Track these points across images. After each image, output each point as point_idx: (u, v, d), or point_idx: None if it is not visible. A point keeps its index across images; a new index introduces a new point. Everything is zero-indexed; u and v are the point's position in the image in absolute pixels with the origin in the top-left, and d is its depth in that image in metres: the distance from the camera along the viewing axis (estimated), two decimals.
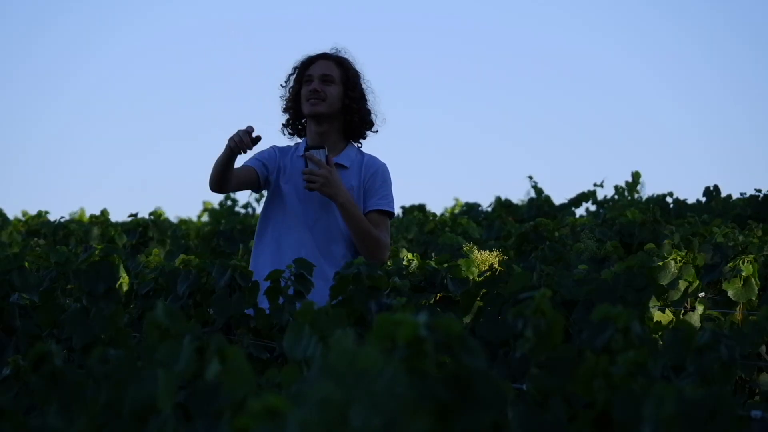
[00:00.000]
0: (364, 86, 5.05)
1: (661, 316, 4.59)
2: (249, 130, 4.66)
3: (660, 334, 4.27)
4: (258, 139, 4.67)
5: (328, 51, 5.08)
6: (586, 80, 24.98)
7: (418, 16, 25.69)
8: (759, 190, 10.83)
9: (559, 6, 25.35)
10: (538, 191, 15.12)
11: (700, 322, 4.94)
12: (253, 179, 4.93)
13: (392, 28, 25.49)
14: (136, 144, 25.21)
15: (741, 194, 11.26)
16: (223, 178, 4.72)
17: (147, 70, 25.85)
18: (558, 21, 25.32)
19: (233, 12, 25.75)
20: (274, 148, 5.06)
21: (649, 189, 16.08)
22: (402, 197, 17.74)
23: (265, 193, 5.08)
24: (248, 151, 4.70)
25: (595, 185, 15.25)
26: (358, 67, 5.07)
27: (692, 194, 13.34)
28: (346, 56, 5.08)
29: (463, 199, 16.65)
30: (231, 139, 4.63)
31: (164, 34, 25.43)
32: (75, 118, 24.67)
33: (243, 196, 18.34)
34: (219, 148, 4.70)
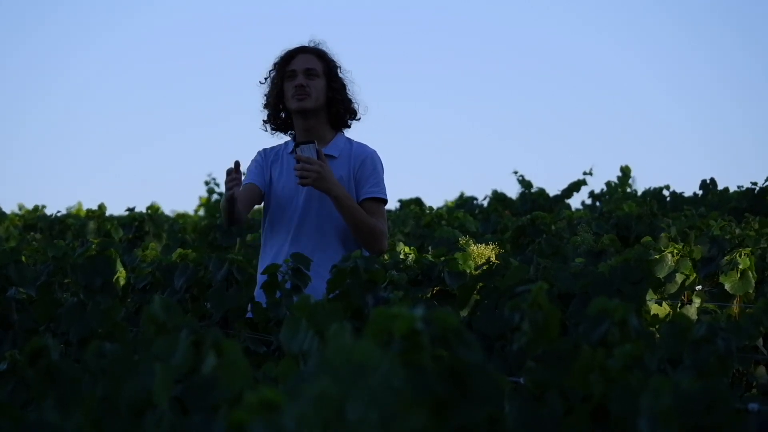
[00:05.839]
0: (343, 76, 5.06)
1: (658, 309, 4.59)
2: (236, 167, 4.66)
3: (657, 327, 4.27)
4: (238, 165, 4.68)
5: (306, 44, 5.07)
6: (579, 74, 24.98)
7: (416, 11, 25.66)
8: (755, 183, 10.85)
9: (553, 0, 25.34)
10: (526, 184, 15.13)
11: (697, 315, 4.94)
12: (257, 193, 4.96)
13: (389, 22, 25.46)
14: (133, 138, 25.20)
15: (738, 187, 11.28)
16: (232, 218, 4.73)
17: (143, 65, 25.82)
18: (552, 15, 25.30)
19: (230, 8, 25.73)
20: (260, 152, 5.07)
21: (644, 182, 16.11)
22: (398, 191, 17.73)
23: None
24: (242, 182, 4.71)
25: (584, 173, 15.27)
26: (336, 58, 5.08)
27: (688, 187, 13.34)
28: (324, 48, 5.08)
29: (459, 194, 16.67)
30: (225, 184, 4.65)
31: (162, 28, 25.40)
32: (72, 112, 24.64)
33: None
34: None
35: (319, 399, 1.62)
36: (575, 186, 14.97)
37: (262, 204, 5.03)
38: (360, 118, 5.08)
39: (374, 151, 5.01)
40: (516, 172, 15.28)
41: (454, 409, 1.77)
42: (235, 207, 4.70)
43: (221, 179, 18.55)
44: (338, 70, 5.05)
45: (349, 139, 5.05)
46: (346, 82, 5.06)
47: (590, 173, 15.27)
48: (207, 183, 18.52)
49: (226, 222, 4.79)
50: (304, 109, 4.94)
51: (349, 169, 4.94)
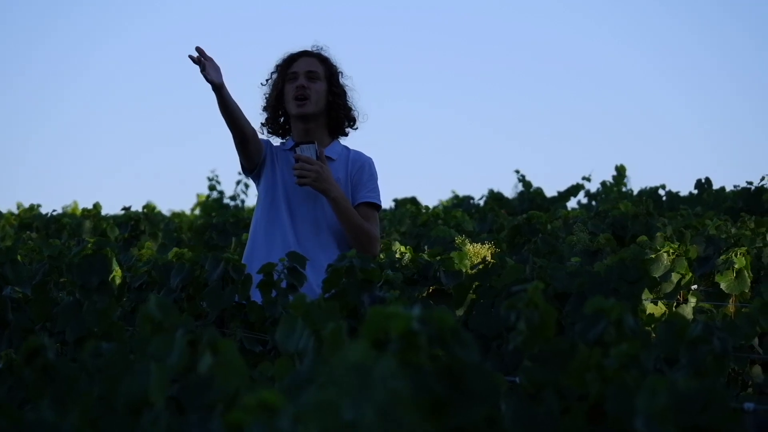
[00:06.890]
0: (344, 82, 5.06)
1: (654, 309, 4.59)
2: (198, 51, 4.68)
3: (653, 326, 4.27)
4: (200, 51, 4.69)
5: (309, 48, 5.07)
6: (575, 73, 24.99)
7: (412, 9, 25.67)
8: (750, 183, 10.86)
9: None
10: (527, 184, 15.15)
11: (693, 314, 4.94)
12: (260, 144, 4.96)
13: (386, 21, 25.47)
14: (130, 138, 25.20)
15: (734, 186, 11.29)
16: (229, 118, 4.74)
17: (140, 65, 25.83)
18: (548, 14, 25.31)
19: (228, 9, 25.73)
20: (268, 140, 5.08)
21: (640, 181, 16.13)
22: (393, 190, 17.75)
23: (251, 181, 5.09)
24: (212, 63, 4.69)
25: (583, 178, 15.30)
26: (338, 64, 5.08)
27: (684, 187, 13.37)
28: (326, 53, 5.07)
29: (456, 193, 16.67)
30: (208, 79, 4.67)
31: (160, 29, 25.41)
32: (68, 112, 24.65)
33: (230, 188, 18.41)
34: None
35: (317, 400, 1.62)
36: (573, 190, 15.00)
37: (256, 198, 5.05)
38: (358, 128, 5.09)
39: (371, 159, 5.05)
40: (518, 172, 15.30)
41: (451, 409, 1.77)
42: (228, 102, 4.69)
43: (223, 177, 18.53)
44: (340, 76, 5.05)
45: (346, 146, 5.06)
46: (347, 88, 5.06)
47: (589, 179, 15.31)
48: (210, 179, 18.51)
49: (227, 122, 4.77)
50: (305, 115, 4.94)
51: (347, 172, 4.96)
